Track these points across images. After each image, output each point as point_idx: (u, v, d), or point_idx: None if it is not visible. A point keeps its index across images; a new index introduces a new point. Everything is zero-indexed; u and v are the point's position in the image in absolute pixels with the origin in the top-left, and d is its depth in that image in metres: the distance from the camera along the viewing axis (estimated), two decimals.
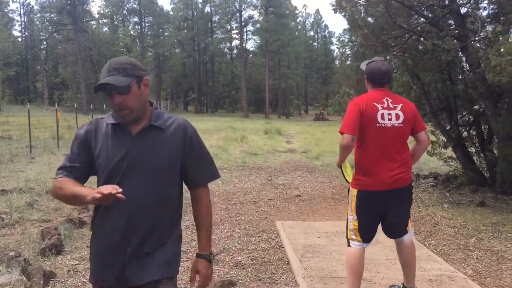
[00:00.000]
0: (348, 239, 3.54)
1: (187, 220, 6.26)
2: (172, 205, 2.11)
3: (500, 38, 6.80)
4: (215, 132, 24.79)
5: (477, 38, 7.51)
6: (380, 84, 3.49)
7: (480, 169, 8.82)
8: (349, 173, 3.66)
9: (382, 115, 3.35)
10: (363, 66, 3.66)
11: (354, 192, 3.47)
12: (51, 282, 3.90)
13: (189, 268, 4.37)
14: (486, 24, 7.82)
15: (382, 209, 3.45)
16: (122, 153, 1.93)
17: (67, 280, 4.00)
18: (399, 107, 3.41)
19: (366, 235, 3.47)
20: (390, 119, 3.35)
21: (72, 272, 4.19)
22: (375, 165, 3.36)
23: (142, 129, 1.96)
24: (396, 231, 3.58)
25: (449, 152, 9.39)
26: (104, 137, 1.98)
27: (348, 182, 3.64)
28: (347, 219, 3.56)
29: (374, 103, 3.38)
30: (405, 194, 3.49)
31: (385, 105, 3.39)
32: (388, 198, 3.39)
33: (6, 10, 68.56)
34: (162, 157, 1.96)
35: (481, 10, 8.15)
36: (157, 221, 2.00)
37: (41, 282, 3.75)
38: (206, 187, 2.22)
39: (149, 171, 1.94)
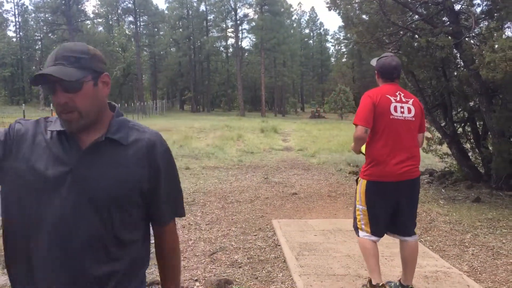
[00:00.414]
0: (357, 229, 3.61)
1: (184, 219, 6.27)
2: (128, 254, 1.50)
3: (494, 35, 6.84)
4: (211, 131, 24.77)
5: (471, 35, 7.53)
6: (391, 78, 3.58)
7: (475, 165, 8.85)
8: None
9: (395, 108, 3.44)
10: (373, 62, 3.76)
11: (363, 182, 3.53)
12: None
13: (186, 267, 4.38)
14: (480, 20, 7.85)
15: (391, 201, 3.49)
16: (63, 171, 1.37)
17: None
18: (410, 101, 3.52)
19: (374, 226, 3.52)
20: (402, 112, 3.44)
21: None
22: (385, 156, 3.41)
23: (95, 142, 1.41)
24: (405, 226, 3.58)
25: (445, 148, 9.42)
26: (39, 147, 1.42)
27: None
28: (355, 208, 3.63)
29: (387, 95, 3.46)
30: (414, 187, 3.54)
31: (398, 98, 3.48)
32: (398, 189, 3.45)
33: (0, 11, 68.26)
34: (119, 185, 1.40)
35: (475, 7, 8.19)
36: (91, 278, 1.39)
37: None
38: (172, 223, 1.66)
39: (97, 201, 1.38)
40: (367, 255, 3.54)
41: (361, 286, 3.81)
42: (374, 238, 3.53)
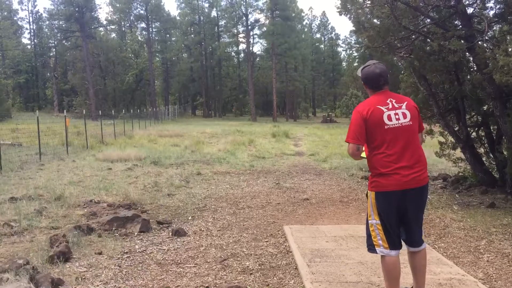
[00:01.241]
0: (374, 246, 3.47)
1: (195, 225, 6.27)
2: None
3: (508, 38, 6.75)
4: (223, 136, 24.82)
5: (484, 38, 7.44)
6: (378, 87, 3.49)
7: (490, 170, 8.74)
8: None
9: (389, 117, 3.35)
10: (358, 72, 3.66)
11: (372, 195, 3.44)
12: None
13: (197, 274, 4.38)
14: (493, 24, 7.75)
15: (400, 210, 3.39)
16: None
17: (75, 287, 4.01)
18: (403, 105, 3.42)
19: (391, 239, 3.41)
20: (398, 119, 3.35)
21: (80, 279, 4.20)
22: (389, 166, 3.32)
23: None
24: (414, 235, 3.50)
25: (458, 153, 9.32)
26: None
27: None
28: (368, 224, 3.52)
29: (378, 106, 3.38)
30: (423, 194, 3.44)
31: (390, 106, 3.39)
32: (405, 198, 3.35)
33: (15, 18, 69.29)
34: None
35: (487, 10, 8.08)
36: None
37: None
38: None
39: None
40: (390, 277, 3.42)
41: None
42: (394, 252, 3.41)
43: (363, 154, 3.56)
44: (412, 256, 3.54)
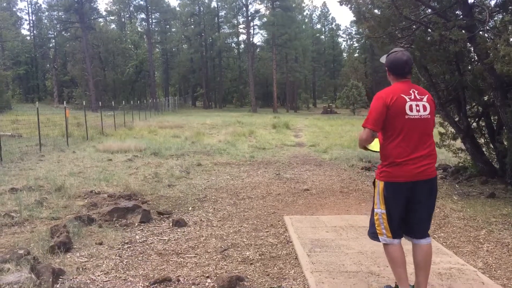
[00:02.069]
0: (376, 234, 3.48)
1: (195, 216, 6.28)
2: None
3: (509, 28, 6.70)
4: (223, 127, 24.81)
5: (485, 28, 7.40)
6: (402, 75, 3.44)
7: (490, 160, 8.73)
8: (376, 145, 3.58)
9: (411, 107, 3.32)
10: (383, 59, 3.59)
11: (381, 184, 3.42)
12: (60, 279, 3.92)
13: (197, 264, 4.39)
14: (494, 13, 7.70)
15: (406, 201, 3.40)
16: None
17: (76, 278, 4.02)
18: (425, 98, 3.40)
19: (394, 229, 3.42)
20: (418, 111, 3.33)
21: (81, 270, 4.21)
22: (402, 156, 3.32)
23: None
24: (420, 228, 3.47)
25: (458, 143, 9.31)
26: None
27: (376, 151, 3.60)
28: (373, 212, 3.52)
29: (402, 95, 3.34)
30: (432, 187, 3.44)
31: (413, 97, 3.36)
32: (415, 190, 3.36)
33: (14, 9, 69.04)
34: None
35: (489, 0, 8.03)
36: None
37: (50, 280, 3.77)
38: None
39: None
40: (395, 264, 3.43)
41: None
42: (396, 241, 3.43)
43: (373, 147, 3.57)
44: (417, 251, 3.47)
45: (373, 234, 3.52)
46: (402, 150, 3.32)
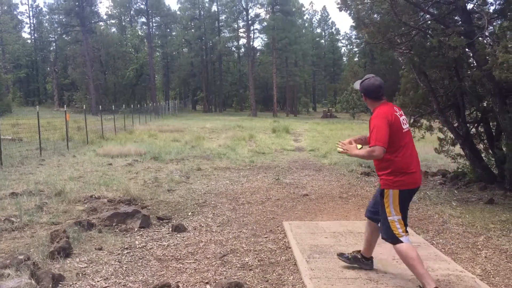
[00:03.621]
0: (397, 238, 3.77)
1: (195, 221, 6.30)
2: None
3: (508, 34, 6.75)
4: (223, 131, 24.84)
5: (484, 34, 7.44)
6: (379, 97, 3.89)
7: (489, 166, 8.75)
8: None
9: (403, 122, 3.83)
10: (356, 85, 4.06)
11: (395, 192, 3.77)
12: (59, 285, 3.94)
13: (196, 270, 4.41)
14: (493, 20, 7.75)
15: None
16: None
17: (75, 283, 4.03)
18: (403, 113, 3.94)
19: (404, 227, 3.85)
20: (405, 124, 3.86)
21: (80, 275, 4.23)
22: (410, 165, 3.78)
23: None
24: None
25: (457, 149, 9.33)
26: None
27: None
28: (388, 222, 3.81)
29: (395, 113, 3.79)
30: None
31: (398, 113, 3.84)
32: (414, 193, 3.95)
33: (15, 13, 69.18)
34: None
35: (487, 6, 8.08)
36: None
37: (50, 285, 3.79)
38: None
39: None
40: (416, 262, 3.67)
41: None
42: (408, 238, 3.83)
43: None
44: (377, 230, 4.11)
45: (395, 240, 3.79)
46: (410, 160, 3.78)
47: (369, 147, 3.71)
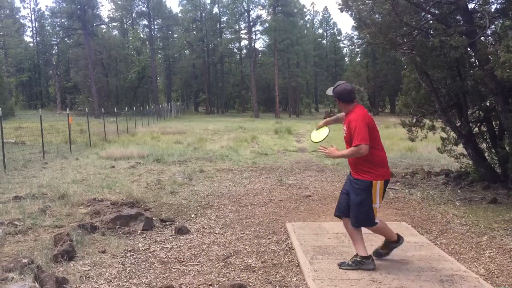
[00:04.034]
0: (373, 220, 4.32)
1: (198, 223, 6.31)
2: None
3: (509, 33, 6.73)
4: (225, 132, 24.86)
5: (486, 34, 7.43)
6: (352, 100, 4.33)
7: (492, 165, 8.73)
8: (321, 135, 4.78)
9: (374, 121, 4.32)
10: (329, 91, 4.48)
11: (380, 183, 4.24)
12: None
13: (200, 272, 4.41)
14: (494, 19, 7.73)
15: None
16: None
17: (79, 286, 4.04)
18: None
19: None
20: (374, 123, 4.32)
21: (84, 278, 4.24)
22: (385, 161, 4.35)
23: None
24: None
25: (460, 148, 9.31)
26: None
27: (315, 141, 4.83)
28: (371, 209, 4.27)
29: (368, 113, 4.29)
30: None
31: (369, 113, 4.31)
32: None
33: (17, 16, 69.38)
34: None
35: (489, 5, 8.05)
36: None
37: None
38: None
39: None
40: (386, 228, 4.51)
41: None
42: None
43: (318, 139, 4.76)
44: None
45: (373, 222, 4.34)
46: (384, 154, 4.36)
47: (353, 146, 4.09)
